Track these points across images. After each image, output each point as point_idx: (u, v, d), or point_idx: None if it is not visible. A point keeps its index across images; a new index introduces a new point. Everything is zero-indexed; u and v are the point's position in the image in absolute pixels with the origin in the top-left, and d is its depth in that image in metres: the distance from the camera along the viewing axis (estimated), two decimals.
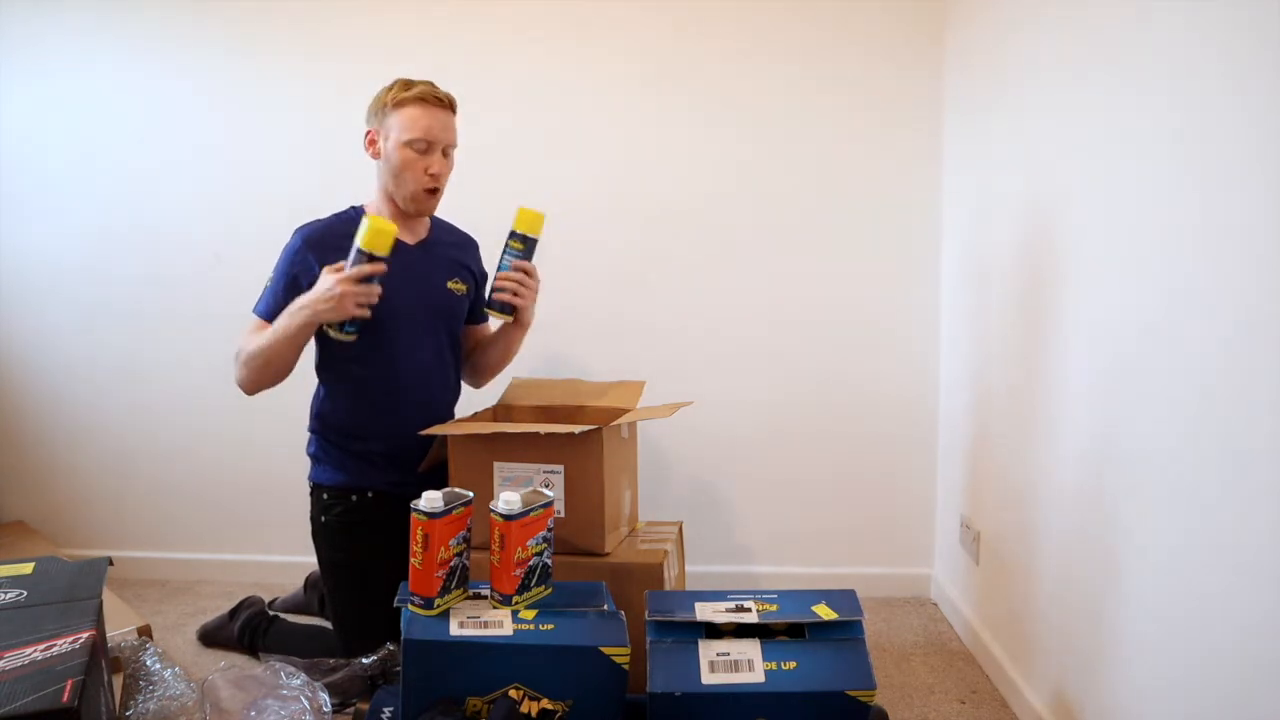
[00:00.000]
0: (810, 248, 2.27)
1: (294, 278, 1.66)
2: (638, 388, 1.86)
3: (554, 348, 2.33)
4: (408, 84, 1.68)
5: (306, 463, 1.79)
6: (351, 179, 2.28)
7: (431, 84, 1.69)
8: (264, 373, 1.64)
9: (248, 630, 1.92)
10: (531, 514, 1.33)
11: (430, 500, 1.31)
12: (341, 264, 1.56)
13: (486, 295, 1.73)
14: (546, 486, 1.55)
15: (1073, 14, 1.50)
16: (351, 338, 1.59)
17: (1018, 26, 1.76)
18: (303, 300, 1.58)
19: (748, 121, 2.25)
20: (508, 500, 1.33)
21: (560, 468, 1.56)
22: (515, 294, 1.69)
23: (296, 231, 1.72)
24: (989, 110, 1.93)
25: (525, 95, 2.27)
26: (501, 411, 1.85)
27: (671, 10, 2.24)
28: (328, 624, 1.92)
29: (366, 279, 1.54)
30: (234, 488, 2.44)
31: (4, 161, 2.39)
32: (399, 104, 1.66)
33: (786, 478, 2.34)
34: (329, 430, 1.75)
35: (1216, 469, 1.10)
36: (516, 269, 1.69)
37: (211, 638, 2.01)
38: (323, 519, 1.73)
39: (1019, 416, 1.75)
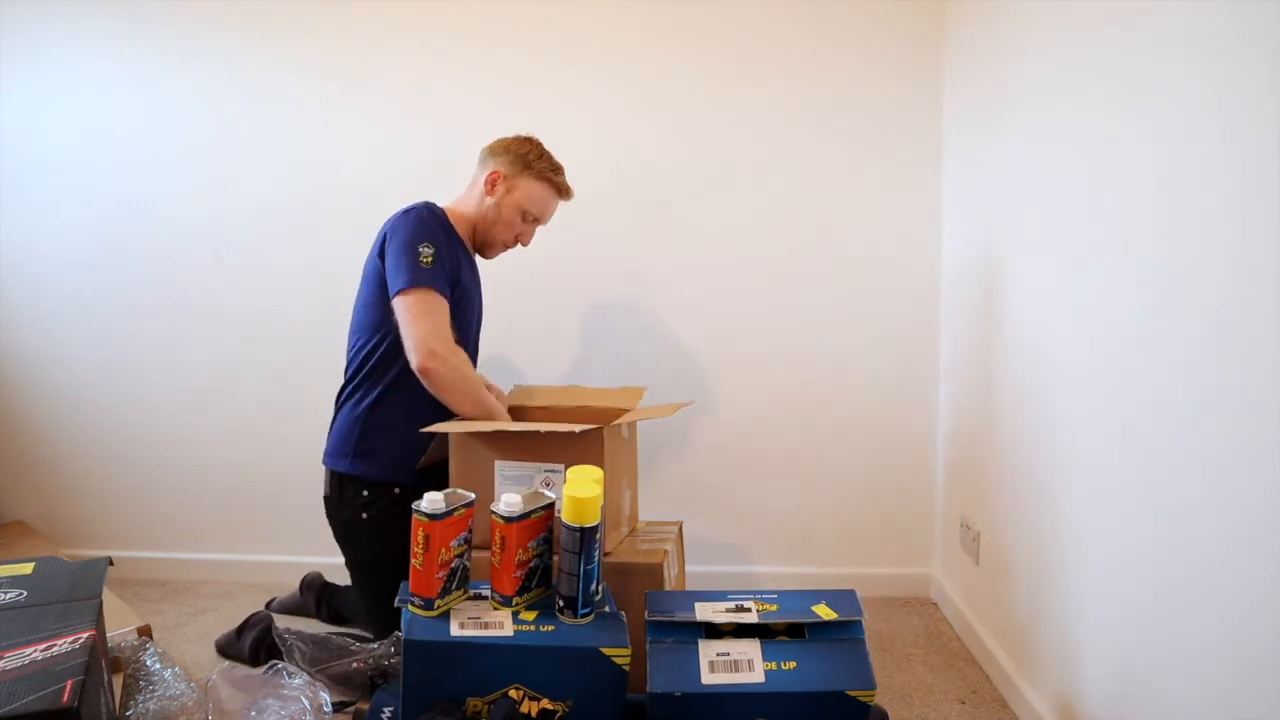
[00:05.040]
0: (812, 250, 2.27)
1: (442, 255, 1.69)
2: (638, 393, 1.87)
3: (557, 349, 2.33)
4: (556, 166, 1.82)
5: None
6: (351, 178, 2.30)
7: (566, 176, 1.84)
8: (454, 402, 1.67)
9: (262, 649, 1.87)
10: (532, 516, 1.33)
11: (432, 502, 1.31)
12: None
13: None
14: (547, 486, 1.55)
15: (1070, 30, 1.50)
16: None
17: (1019, 39, 1.76)
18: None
19: (751, 127, 2.25)
20: (509, 502, 1.32)
21: (561, 467, 1.55)
22: None
23: (428, 209, 1.74)
24: (988, 120, 1.93)
25: (529, 102, 2.27)
26: None
27: (678, 16, 2.24)
28: (331, 625, 1.91)
29: None
30: (234, 487, 2.44)
31: (3, 162, 2.39)
32: (541, 177, 1.79)
33: (787, 477, 2.35)
34: (382, 426, 1.74)
35: (1219, 469, 1.10)
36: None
37: (225, 652, 1.97)
38: (364, 515, 1.73)
39: (1019, 416, 1.75)
